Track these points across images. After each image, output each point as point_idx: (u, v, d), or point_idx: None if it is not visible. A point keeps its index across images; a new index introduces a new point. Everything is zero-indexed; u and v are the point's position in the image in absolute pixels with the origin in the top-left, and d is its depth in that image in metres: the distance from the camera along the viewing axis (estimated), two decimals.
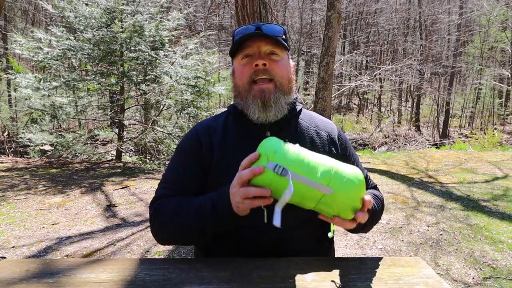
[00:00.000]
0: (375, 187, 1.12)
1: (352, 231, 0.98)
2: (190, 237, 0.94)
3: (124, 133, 7.31)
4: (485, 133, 13.29)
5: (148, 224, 3.42)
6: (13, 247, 2.89)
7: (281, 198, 0.74)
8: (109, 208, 3.86)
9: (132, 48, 6.50)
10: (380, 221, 3.19)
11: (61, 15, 6.28)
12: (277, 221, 0.74)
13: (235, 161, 0.96)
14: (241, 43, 0.95)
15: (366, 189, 1.07)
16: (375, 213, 0.98)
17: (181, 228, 0.90)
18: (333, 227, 0.89)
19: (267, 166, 0.74)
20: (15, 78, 6.10)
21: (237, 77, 0.99)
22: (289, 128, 1.01)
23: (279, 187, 0.74)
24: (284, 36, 0.98)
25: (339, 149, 1.05)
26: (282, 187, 0.74)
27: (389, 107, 23.83)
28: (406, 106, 24.78)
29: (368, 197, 0.79)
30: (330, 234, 0.90)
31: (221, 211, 0.84)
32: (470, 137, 13.97)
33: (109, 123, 8.11)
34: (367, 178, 1.11)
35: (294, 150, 0.78)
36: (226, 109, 1.12)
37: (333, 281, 0.80)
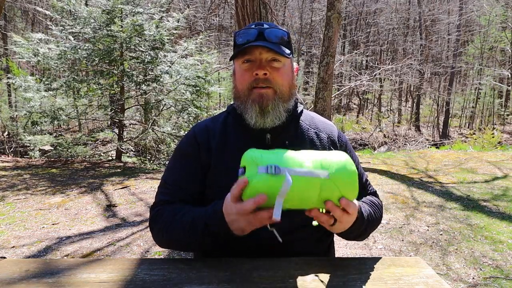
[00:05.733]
0: (374, 193, 1.11)
1: (348, 237, 0.96)
2: (186, 248, 0.98)
3: (124, 133, 7.31)
4: (484, 133, 13.29)
5: (148, 224, 3.42)
6: (13, 247, 2.89)
7: (281, 190, 0.71)
8: (109, 208, 3.86)
9: (132, 47, 6.50)
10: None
11: (61, 15, 6.29)
12: (277, 214, 0.71)
13: (234, 165, 0.96)
14: (243, 48, 0.94)
15: (365, 195, 1.07)
16: (371, 221, 0.97)
17: (176, 240, 0.93)
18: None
19: (258, 172, 0.72)
20: (14, 82, 6.10)
21: (238, 80, 0.98)
22: (289, 131, 1.01)
23: (278, 190, 0.72)
24: (287, 39, 0.97)
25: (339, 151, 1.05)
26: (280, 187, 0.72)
27: (389, 107, 23.84)
28: (406, 106, 24.78)
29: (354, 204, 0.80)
30: (314, 223, 0.87)
31: (214, 230, 0.84)
32: (469, 137, 13.97)
33: (109, 123, 8.11)
34: (366, 183, 1.10)
35: (279, 150, 0.79)
36: (225, 109, 1.12)
37: (331, 278, 0.80)
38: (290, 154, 0.78)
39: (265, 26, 0.95)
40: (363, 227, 0.91)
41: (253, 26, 0.95)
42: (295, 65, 1.03)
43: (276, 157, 0.75)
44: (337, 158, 0.79)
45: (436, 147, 12.17)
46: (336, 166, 0.77)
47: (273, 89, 0.94)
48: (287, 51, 0.95)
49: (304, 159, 0.77)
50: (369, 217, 0.94)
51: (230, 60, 0.99)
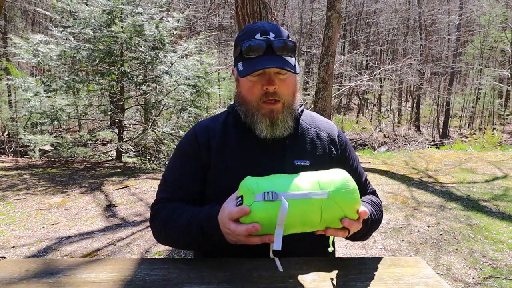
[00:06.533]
0: (373, 193, 1.11)
1: (352, 238, 0.97)
2: (186, 247, 0.99)
3: (124, 133, 7.31)
4: (484, 133, 13.29)
5: (148, 224, 3.42)
6: (13, 247, 2.89)
7: (278, 218, 0.71)
8: (109, 208, 3.86)
9: (133, 48, 6.50)
10: None
11: (61, 16, 6.29)
12: (277, 245, 0.71)
13: (234, 166, 0.96)
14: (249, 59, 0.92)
15: (365, 194, 1.07)
16: (374, 221, 0.98)
17: (175, 240, 0.95)
18: (331, 238, 0.90)
19: (256, 200, 0.73)
20: (14, 83, 6.10)
21: (245, 90, 0.97)
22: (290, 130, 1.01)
23: (277, 215, 0.72)
24: (292, 45, 0.95)
25: (339, 150, 1.05)
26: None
27: (389, 107, 23.83)
28: (406, 106, 24.78)
29: (363, 209, 0.80)
30: (330, 249, 0.90)
31: (209, 235, 0.86)
32: (469, 137, 13.96)
33: (109, 123, 8.11)
34: (366, 182, 1.10)
35: (274, 176, 0.79)
36: (225, 109, 1.11)
37: (331, 278, 0.80)
38: (286, 178, 0.77)
39: (271, 36, 0.93)
40: (367, 228, 0.92)
41: (258, 36, 0.92)
42: (298, 69, 1.02)
43: (272, 184, 0.75)
44: (335, 176, 0.79)
45: (436, 147, 12.16)
46: (335, 184, 0.76)
47: (281, 102, 0.95)
48: (293, 61, 0.94)
49: (300, 182, 0.76)
50: (372, 217, 0.95)
51: (242, 77, 0.94)
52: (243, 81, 0.97)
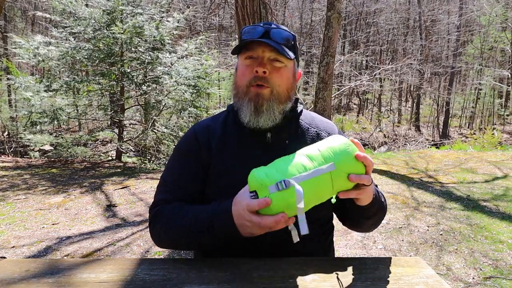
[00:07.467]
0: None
1: (362, 218, 0.97)
2: (186, 247, 0.98)
3: (124, 133, 7.31)
4: (484, 133, 13.28)
5: (148, 224, 3.42)
6: (13, 247, 2.89)
7: (297, 206, 0.73)
8: (109, 208, 3.86)
9: (133, 48, 6.50)
10: None
11: (61, 17, 6.30)
12: (304, 229, 0.73)
13: (233, 165, 0.96)
14: (247, 44, 0.94)
15: None
16: (381, 203, 0.97)
17: (175, 240, 0.93)
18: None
19: (270, 192, 0.74)
20: (14, 83, 6.10)
21: (238, 76, 0.98)
22: (290, 130, 1.01)
23: (294, 201, 0.74)
24: (293, 42, 0.96)
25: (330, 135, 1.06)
26: (295, 198, 0.74)
27: (389, 107, 23.83)
28: (406, 106, 24.78)
29: (362, 152, 0.81)
30: (333, 200, 0.89)
31: (221, 231, 0.84)
32: (469, 137, 13.96)
33: (109, 123, 8.12)
34: None
35: (279, 162, 0.80)
36: (225, 109, 1.11)
37: (337, 273, 0.80)
38: (290, 161, 0.78)
39: (273, 26, 0.95)
40: (376, 205, 0.92)
41: (261, 25, 0.95)
42: (298, 70, 1.02)
43: (279, 171, 0.76)
44: (333, 144, 0.81)
45: (436, 147, 12.16)
46: (336, 152, 0.79)
47: (270, 89, 0.93)
48: (291, 53, 0.95)
49: (304, 161, 0.78)
50: (378, 196, 0.95)
51: (233, 53, 0.98)
52: (239, 66, 0.99)
